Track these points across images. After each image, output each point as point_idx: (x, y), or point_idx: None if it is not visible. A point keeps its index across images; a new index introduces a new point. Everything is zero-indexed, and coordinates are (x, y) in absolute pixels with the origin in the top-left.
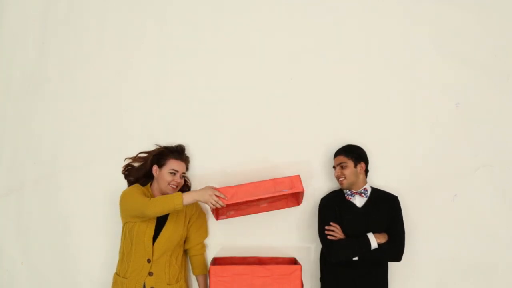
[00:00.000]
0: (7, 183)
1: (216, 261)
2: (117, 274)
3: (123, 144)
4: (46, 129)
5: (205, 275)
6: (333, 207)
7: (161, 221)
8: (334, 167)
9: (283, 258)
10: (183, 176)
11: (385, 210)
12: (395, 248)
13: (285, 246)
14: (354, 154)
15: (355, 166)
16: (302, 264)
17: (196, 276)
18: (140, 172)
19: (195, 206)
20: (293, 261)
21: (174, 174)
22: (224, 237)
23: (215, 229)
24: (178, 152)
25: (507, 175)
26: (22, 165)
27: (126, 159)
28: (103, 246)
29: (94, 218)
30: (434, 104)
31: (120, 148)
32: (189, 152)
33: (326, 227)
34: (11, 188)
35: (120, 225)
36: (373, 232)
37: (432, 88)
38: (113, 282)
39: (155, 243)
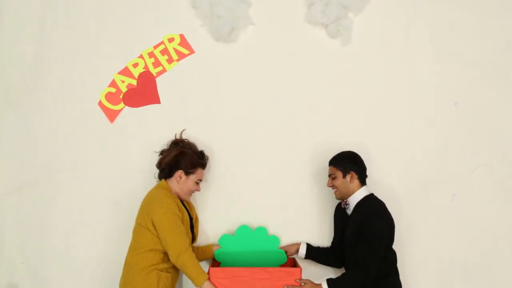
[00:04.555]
0: (6, 183)
1: (216, 262)
2: (160, 271)
3: (123, 144)
4: (45, 129)
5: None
6: (335, 215)
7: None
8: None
9: None
10: None
11: (357, 225)
12: (356, 275)
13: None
14: (341, 166)
15: (344, 176)
16: (302, 267)
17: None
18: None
19: (194, 210)
20: (293, 263)
21: (198, 183)
22: None
23: (215, 229)
24: (205, 162)
25: (506, 174)
26: (21, 165)
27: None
28: (103, 246)
29: (93, 218)
30: (432, 103)
31: (120, 148)
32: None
33: None
34: (11, 188)
35: (120, 225)
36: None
37: (431, 87)
38: (155, 281)
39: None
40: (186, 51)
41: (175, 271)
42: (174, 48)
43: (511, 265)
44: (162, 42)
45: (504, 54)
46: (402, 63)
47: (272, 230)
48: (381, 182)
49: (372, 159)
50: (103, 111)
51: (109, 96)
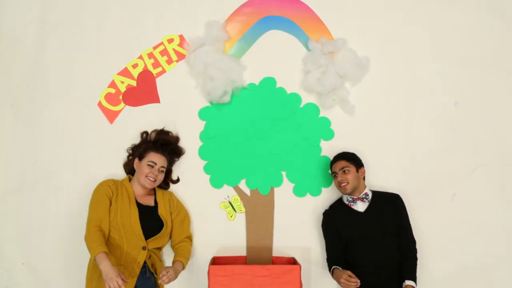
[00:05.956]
0: (6, 183)
1: (216, 260)
2: None
3: (123, 144)
4: (45, 129)
5: (181, 263)
6: (332, 223)
7: (147, 216)
8: (334, 173)
9: (283, 258)
10: (163, 170)
11: (390, 211)
12: (413, 249)
13: (284, 246)
14: (354, 160)
15: (357, 171)
16: (301, 264)
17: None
18: (128, 165)
19: (175, 203)
20: (292, 261)
21: (152, 166)
22: (224, 237)
23: (214, 228)
24: (160, 145)
25: (506, 174)
26: (21, 165)
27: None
28: None
29: None
30: (433, 103)
31: (119, 148)
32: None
33: (345, 280)
34: (11, 188)
35: None
36: (382, 238)
37: (431, 87)
38: (92, 268)
39: (149, 243)
40: (185, 52)
41: (129, 264)
42: (173, 49)
43: (511, 265)
44: (162, 43)
45: (504, 54)
46: (402, 63)
47: (274, 232)
48: (381, 182)
49: (372, 159)
50: (103, 112)
51: (109, 97)
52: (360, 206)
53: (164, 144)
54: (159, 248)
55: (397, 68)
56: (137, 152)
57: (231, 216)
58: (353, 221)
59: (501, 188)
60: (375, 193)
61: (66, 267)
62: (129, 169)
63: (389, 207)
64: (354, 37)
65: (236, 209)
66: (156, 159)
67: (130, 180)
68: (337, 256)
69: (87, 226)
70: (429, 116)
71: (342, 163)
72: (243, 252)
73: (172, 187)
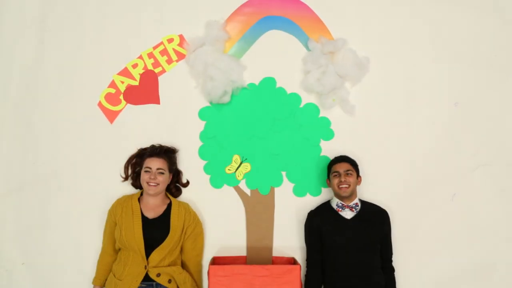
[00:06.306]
0: (7, 183)
1: (216, 260)
2: (112, 273)
3: (123, 144)
4: (45, 129)
5: None
6: (317, 225)
7: (153, 228)
8: (336, 173)
9: (283, 258)
10: (162, 172)
11: (375, 223)
12: (392, 266)
13: (284, 246)
14: (356, 167)
15: (357, 177)
16: (301, 264)
17: None
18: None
19: (192, 217)
20: (292, 261)
21: (149, 171)
22: (224, 237)
23: (215, 228)
24: (152, 150)
25: (506, 174)
26: (21, 165)
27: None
28: None
29: (93, 218)
30: (433, 103)
31: (119, 148)
32: (183, 154)
33: None
34: (11, 188)
35: None
36: (367, 246)
37: (431, 87)
38: (108, 280)
39: (152, 255)
40: (185, 52)
41: (129, 280)
42: (173, 49)
43: (511, 265)
44: (162, 43)
45: (504, 54)
46: (402, 63)
47: (274, 232)
48: (381, 182)
49: (372, 159)
50: (103, 112)
51: (109, 97)
52: (348, 214)
53: (153, 151)
54: (175, 264)
55: (397, 68)
56: (137, 166)
57: (228, 169)
58: (339, 227)
59: (501, 188)
60: (363, 203)
61: (66, 267)
62: (134, 184)
63: (376, 219)
64: (354, 37)
65: (242, 169)
66: (151, 163)
67: (142, 194)
68: (318, 265)
69: (102, 245)
70: (429, 116)
71: (347, 166)
72: (243, 252)
73: None
